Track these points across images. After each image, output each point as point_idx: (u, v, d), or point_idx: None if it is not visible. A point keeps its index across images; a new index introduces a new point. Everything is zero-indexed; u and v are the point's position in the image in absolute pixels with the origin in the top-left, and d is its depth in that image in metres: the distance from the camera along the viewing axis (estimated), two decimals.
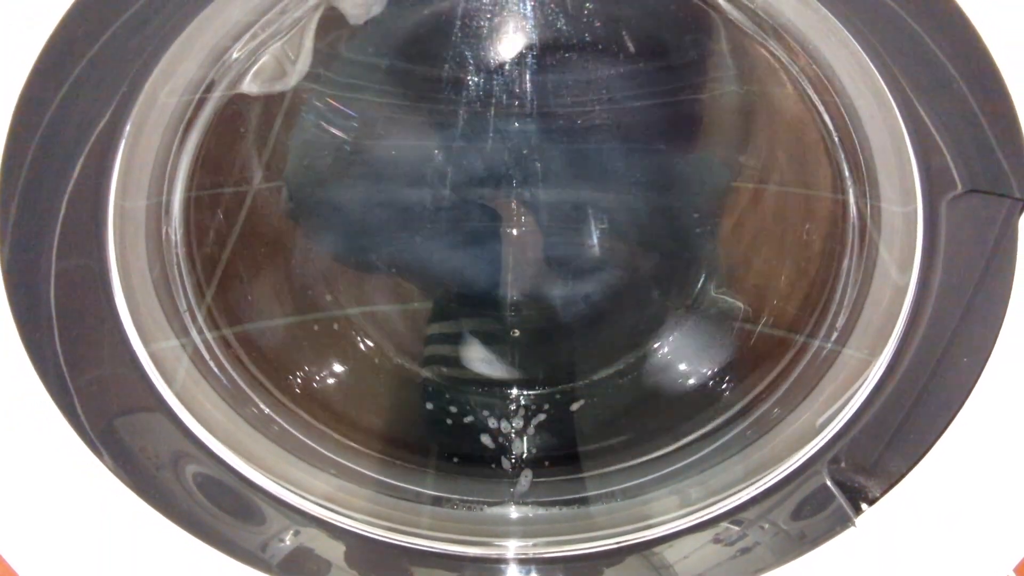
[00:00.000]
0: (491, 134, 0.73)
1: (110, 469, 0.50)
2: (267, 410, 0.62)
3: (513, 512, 0.65)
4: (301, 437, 0.63)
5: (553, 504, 0.66)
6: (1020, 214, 0.47)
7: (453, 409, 0.77)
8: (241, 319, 0.67)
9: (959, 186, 0.47)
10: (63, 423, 0.49)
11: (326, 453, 0.64)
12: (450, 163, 0.76)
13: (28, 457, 0.50)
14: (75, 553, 0.52)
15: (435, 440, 0.76)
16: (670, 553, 0.58)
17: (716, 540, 0.58)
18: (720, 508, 0.59)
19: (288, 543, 0.56)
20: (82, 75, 0.43)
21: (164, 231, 0.56)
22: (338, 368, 0.78)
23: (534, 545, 0.59)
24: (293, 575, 0.56)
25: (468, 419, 0.76)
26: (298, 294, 0.79)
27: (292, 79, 0.60)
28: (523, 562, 0.58)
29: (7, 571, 0.50)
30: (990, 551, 0.54)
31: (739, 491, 0.59)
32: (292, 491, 0.57)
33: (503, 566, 0.58)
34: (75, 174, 0.45)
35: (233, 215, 0.70)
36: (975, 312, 0.50)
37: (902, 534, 0.55)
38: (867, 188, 0.56)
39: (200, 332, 0.60)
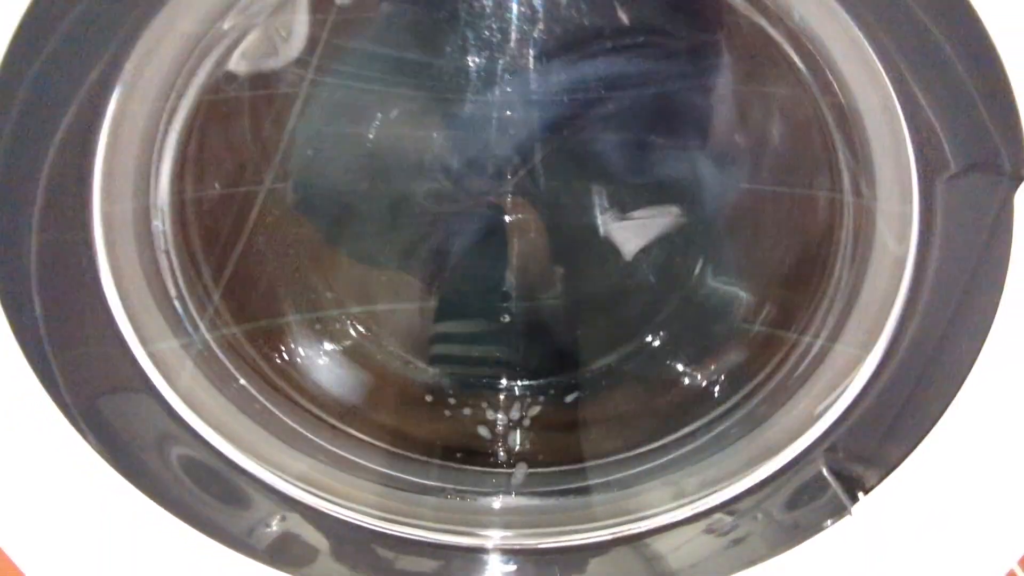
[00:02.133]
0: (494, 126, 0.73)
1: (94, 448, 0.50)
2: (255, 392, 0.62)
3: (504, 503, 0.64)
4: (289, 422, 0.63)
5: (546, 495, 0.65)
6: (1015, 192, 0.46)
7: (452, 401, 0.76)
8: (235, 307, 0.67)
9: (952, 166, 0.46)
10: (47, 400, 0.49)
11: (316, 439, 0.64)
12: (454, 156, 0.76)
13: (12, 436, 0.50)
14: (58, 530, 0.52)
15: (433, 430, 0.76)
16: (661, 544, 0.57)
17: (709, 531, 0.57)
18: (714, 499, 0.58)
19: (274, 528, 0.56)
20: (52, 62, 0.43)
21: (153, 218, 0.56)
22: (331, 355, 0.77)
23: (521, 536, 0.59)
24: (279, 560, 0.55)
25: (466, 411, 0.76)
26: (297, 288, 0.79)
27: (282, 58, 0.60)
28: (507, 552, 0.57)
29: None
30: (993, 543, 0.53)
31: (734, 482, 0.58)
32: (279, 476, 0.56)
33: (486, 556, 0.57)
34: (54, 148, 0.45)
35: (227, 204, 0.70)
36: (973, 296, 0.49)
37: (901, 524, 0.54)
38: (862, 167, 0.55)
39: (191, 319, 0.60)
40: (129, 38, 0.44)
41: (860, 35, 0.45)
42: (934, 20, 0.43)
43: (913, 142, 0.47)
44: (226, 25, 0.53)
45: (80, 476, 0.51)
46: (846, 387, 0.55)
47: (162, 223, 0.57)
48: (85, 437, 0.50)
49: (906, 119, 0.46)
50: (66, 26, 0.43)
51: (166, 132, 0.55)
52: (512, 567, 0.58)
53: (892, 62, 0.45)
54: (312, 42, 0.65)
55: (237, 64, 0.58)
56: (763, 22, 0.57)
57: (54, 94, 0.44)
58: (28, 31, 0.43)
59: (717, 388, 0.72)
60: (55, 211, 0.46)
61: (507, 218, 0.80)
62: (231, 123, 0.67)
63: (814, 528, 0.54)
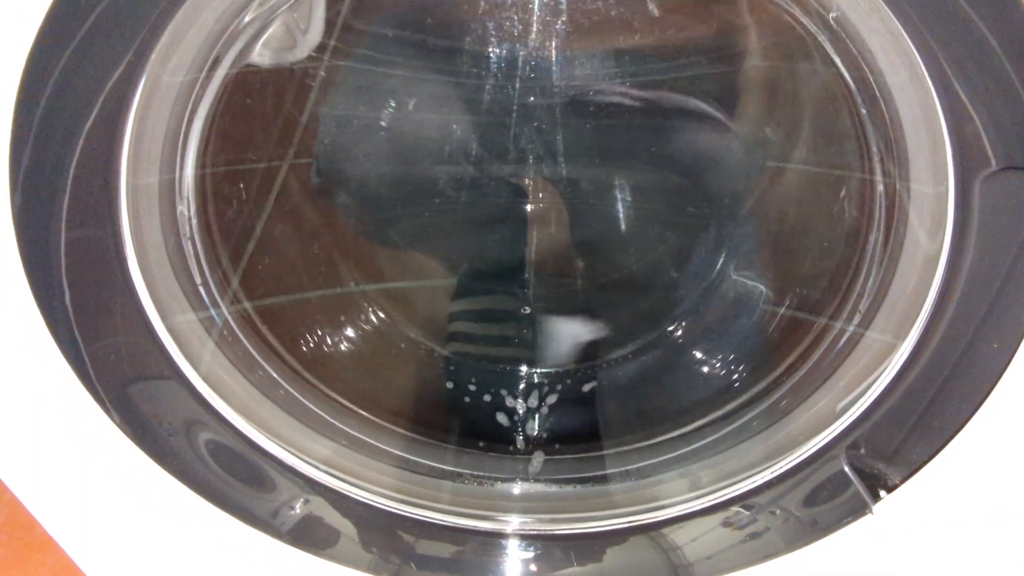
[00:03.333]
0: (516, 112, 0.72)
1: (125, 434, 0.52)
2: (279, 378, 0.63)
3: (523, 489, 0.65)
4: (313, 407, 0.64)
5: (564, 482, 0.66)
6: None
7: (472, 387, 0.77)
8: (259, 293, 0.68)
9: (993, 163, 0.44)
10: (81, 389, 0.51)
11: (339, 424, 0.65)
12: (476, 139, 0.75)
13: (49, 424, 0.52)
14: (95, 511, 0.54)
15: (453, 417, 0.77)
16: (678, 535, 0.58)
17: (725, 523, 0.57)
18: (732, 492, 0.58)
19: (298, 511, 0.57)
20: (81, 50, 0.43)
21: (178, 203, 0.57)
22: (353, 341, 0.78)
23: (540, 522, 0.59)
24: (303, 542, 0.57)
25: (486, 397, 0.77)
26: (318, 271, 0.79)
27: (302, 50, 0.60)
28: (525, 538, 0.58)
29: (19, 509, 0.52)
30: (1014, 546, 0.53)
31: (752, 475, 0.58)
32: (303, 459, 0.58)
33: (505, 541, 0.58)
34: (80, 144, 0.45)
35: (250, 188, 0.70)
36: (1008, 296, 0.48)
37: (922, 524, 0.53)
38: (897, 164, 0.53)
39: (215, 304, 0.61)
40: (153, 32, 0.44)
41: (900, 28, 0.43)
42: (978, 12, 0.41)
43: (952, 137, 0.45)
44: (247, 18, 0.53)
45: (113, 460, 0.53)
46: (872, 383, 0.54)
47: (187, 209, 0.58)
48: (117, 423, 0.51)
49: (945, 114, 0.44)
50: (91, 20, 0.43)
51: (191, 121, 0.55)
52: (531, 552, 0.59)
53: (932, 55, 0.43)
54: (331, 27, 0.64)
55: (259, 56, 0.58)
56: (797, 11, 0.55)
57: (80, 87, 0.45)
58: (54, 25, 0.43)
59: (737, 380, 0.72)
60: (83, 205, 0.47)
61: (528, 204, 0.79)
62: (255, 110, 0.67)
63: (833, 525, 0.54)
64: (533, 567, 0.58)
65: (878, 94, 0.52)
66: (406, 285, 0.83)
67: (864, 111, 0.56)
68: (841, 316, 0.61)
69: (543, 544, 0.58)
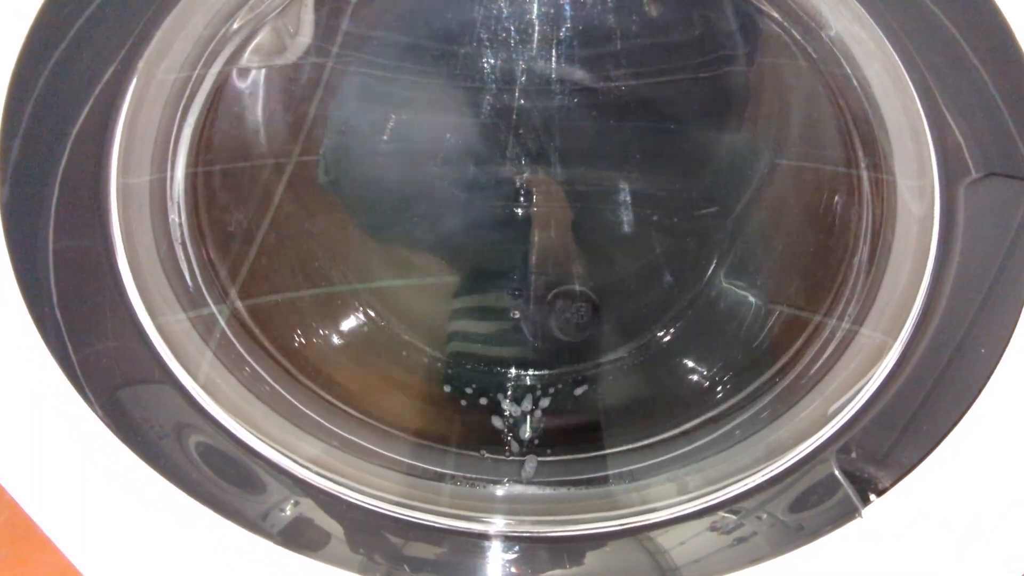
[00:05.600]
0: (515, 112, 0.72)
1: (117, 437, 0.52)
2: (269, 378, 0.63)
3: (511, 491, 0.65)
4: (303, 408, 0.64)
5: (554, 485, 0.66)
6: None
7: (467, 391, 0.77)
8: (252, 294, 0.68)
9: (973, 171, 0.44)
10: (72, 393, 0.51)
11: (329, 425, 0.65)
12: (477, 141, 0.75)
13: (43, 428, 0.52)
14: (89, 512, 0.54)
15: (448, 420, 0.77)
16: (665, 538, 0.58)
17: (712, 528, 0.57)
18: (720, 496, 0.58)
19: (288, 513, 0.58)
20: (73, 48, 0.44)
21: (168, 204, 0.57)
22: (347, 343, 0.78)
23: (525, 524, 0.60)
24: (292, 543, 0.57)
25: (482, 401, 0.77)
26: (313, 272, 0.80)
27: (291, 54, 0.60)
28: (510, 539, 0.59)
29: (20, 510, 0.52)
30: (1005, 548, 0.53)
31: (739, 480, 0.58)
32: (292, 459, 0.58)
33: (488, 542, 0.58)
34: (70, 143, 0.45)
35: (242, 190, 0.70)
36: (994, 301, 0.48)
37: (913, 527, 0.53)
38: (883, 170, 0.53)
39: (207, 306, 0.61)
40: (141, 37, 0.45)
41: (885, 40, 0.43)
42: (959, 26, 0.41)
43: (935, 147, 0.45)
44: (236, 24, 0.54)
45: (107, 463, 0.53)
46: (863, 386, 0.54)
47: (178, 216, 0.58)
48: (108, 427, 0.52)
49: (929, 124, 0.44)
50: (79, 26, 0.43)
51: (180, 127, 0.55)
52: (513, 554, 0.59)
53: (916, 68, 0.43)
54: (331, 31, 0.65)
55: (249, 61, 0.58)
56: (786, 22, 0.55)
57: (69, 92, 0.45)
58: (42, 31, 0.43)
59: (726, 385, 0.72)
60: (73, 206, 0.47)
61: (529, 205, 0.79)
62: (245, 115, 0.67)
63: (821, 530, 0.54)
64: (514, 569, 0.58)
65: (865, 101, 0.53)
66: (400, 284, 0.84)
67: (851, 117, 0.56)
68: (833, 315, 0.61)
69: (527, 546, 0.58)
